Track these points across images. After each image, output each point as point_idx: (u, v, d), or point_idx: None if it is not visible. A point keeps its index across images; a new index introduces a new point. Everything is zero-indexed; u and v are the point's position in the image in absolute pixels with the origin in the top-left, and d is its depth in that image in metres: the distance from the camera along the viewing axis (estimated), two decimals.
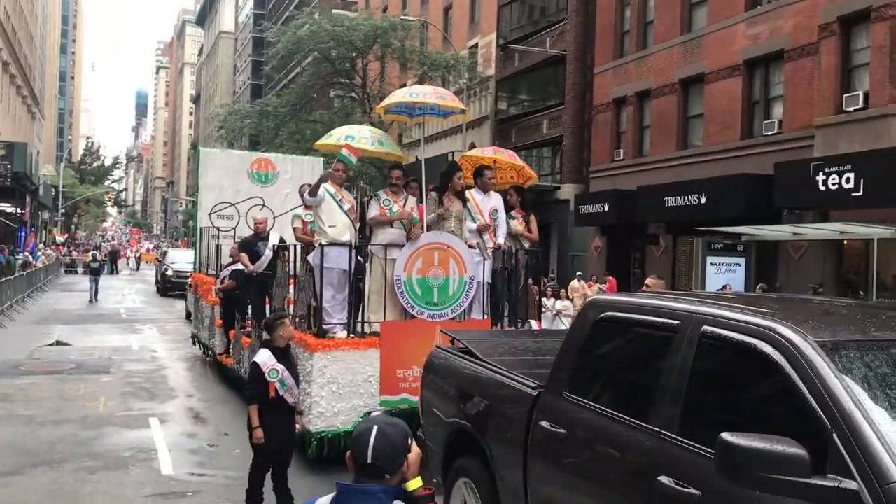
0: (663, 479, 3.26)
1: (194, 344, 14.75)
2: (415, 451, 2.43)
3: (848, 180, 15.07)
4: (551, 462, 4.10)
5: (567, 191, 26.94)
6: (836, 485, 2.59)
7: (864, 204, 14.90)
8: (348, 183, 9.49)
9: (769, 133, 18.57)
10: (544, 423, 4.20)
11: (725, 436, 2.70)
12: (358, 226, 8.16)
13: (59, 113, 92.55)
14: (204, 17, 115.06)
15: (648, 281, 9.53)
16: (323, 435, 7.41)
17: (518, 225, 8.71)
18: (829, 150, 16.00)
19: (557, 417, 4.13)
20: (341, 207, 7.76)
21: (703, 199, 19.23)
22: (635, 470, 3.49)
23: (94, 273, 28.41)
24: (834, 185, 15.34)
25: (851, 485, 2.58)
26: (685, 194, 19.85)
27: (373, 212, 7.97)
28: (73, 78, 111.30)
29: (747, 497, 2.85)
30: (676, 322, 3.61)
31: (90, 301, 26.91)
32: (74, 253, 52.31)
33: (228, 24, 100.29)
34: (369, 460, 2.33)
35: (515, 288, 8.51)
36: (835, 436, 2.71)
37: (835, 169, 15.33)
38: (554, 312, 15.95)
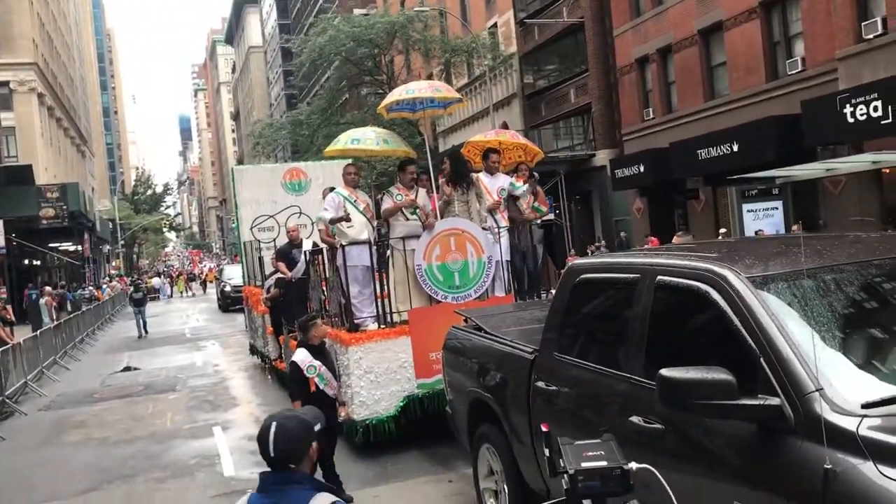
0: (634, 418, 3.58)
1: (252, 354, 15.42)
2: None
3: (875, 109, 14.88)
4: (548, 418, 4.43)
5: (602, 157, 26.96)
6: (762, 402, 2.88)
7: (895, 131, 14.70)
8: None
9: (793, 72, 18.37)
10: (540, 383, 4.54)
11: (663, 372, 3.01)
12: (375, 223, 8.57)
13: (108, 148, 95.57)
14: (232, 35, 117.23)
15: (675, 238, 9.75)
16: (367, 422, 7.84)
17: (525, 202, 8.99)
18: (854, 80, 15.79)
19: (549, 376, 4.47)
20: (357, 208, 8.20)
21: (735, 148, 19.11)
22: (613, 414, 3.82)
23: (138, 304, 24.97)
24: (862, 115, 15.15)
25: (774, 401, 2.87)
26: (717, 145, 19.75)
27: (386, 205, 8.38)
28: (115, 112, 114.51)
29: (697, 423, 3.17)
30: (637, 276, 3.91)
31: (139, 336, 23.84)
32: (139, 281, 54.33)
33: (256, 38, 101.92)
34: (272, 454, 2.56)
35: (533, 262, 8.82)
36: (762, 360, 2.99)
37: (861, 99, 15.15)
38: None
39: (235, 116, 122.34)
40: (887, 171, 16.32)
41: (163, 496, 7.50)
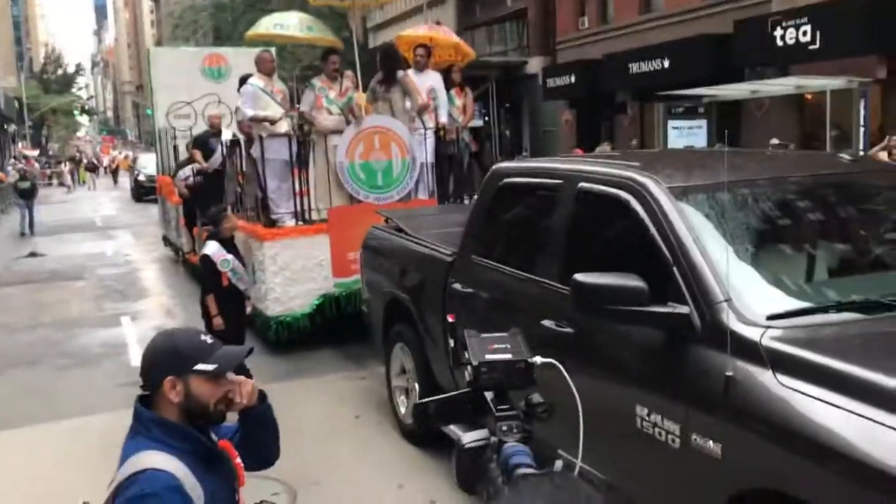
0: (546, 322, 3.59)
1: (165, 245, 15.01)
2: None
3: (805, 34, 15.03)
4: (462, 319, 4.43)
5: (535, 64, 26.63)
6: (671, 310, 2.91)
7: (820, 56, 14.90)
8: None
9: None
10: (456, 285, 4.52)
11: (577, 276, 3.00)
12: (294, 115, 8.25)
13: (15, 21, 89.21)
14: None
15: (598, 150, 9.76)
16: (281, 318, 7.76)
17: (457, 108, 8.80)
18: (787, 4, 15.86)
19: (466, 278, 4.45)
20: (274, 99, 7.84)
21: (666, 64, 19.11)
22: (526, 318, 3.82)
23: (24, 196, 20.83)
24: (791, 39, 15.31)
25: (684, 309, 2.90)
26: (649, 59, 19.70)
27: (307, 99, 8.05)
28: None
29: (607, 329, 3.20)
30: (560, 181, 3.86)
31: (22, 234, 20.05)
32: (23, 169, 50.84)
33: None
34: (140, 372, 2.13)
35: (458, 167, 8.71)
36: (675, 269, 3.01)
37: (792, 23, 15.25)
38: None
39: None
40: (809, 96, 16.66)
41: (67, 383, 7.31)
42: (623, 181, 3.41)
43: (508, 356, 1.54)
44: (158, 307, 10.58)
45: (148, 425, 2.03)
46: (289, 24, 8.64)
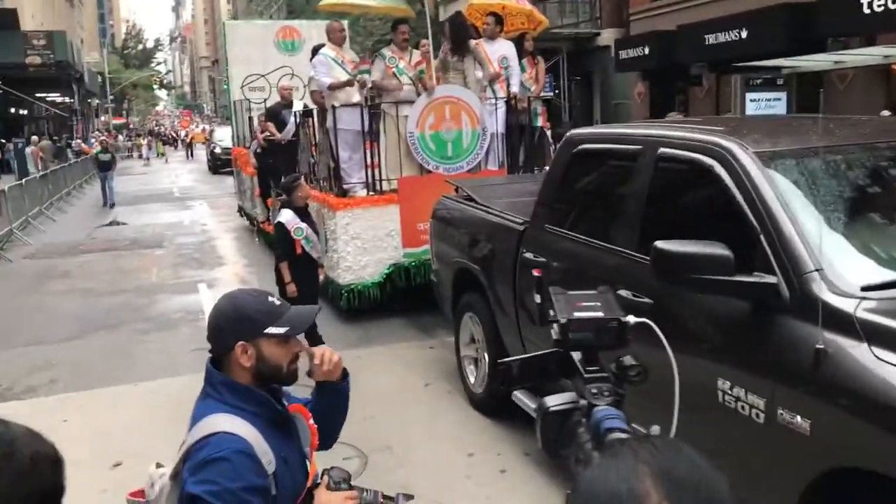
0: (622, 291, 3.49)
1: (241, 216, 15.32)
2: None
3: (894, 1, 14.29)
4: (532, 289, 4.38)
5: (607, 36, 26.06)
6: (758, 280, 2.79)
7: None
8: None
9: None
10: (528, 255, 4.45)
11: (659, 244, 2.90)
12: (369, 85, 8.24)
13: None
14: None
15: (667, 117, 9.49)
16: (353, 287, 7.83)
17: (528, 76, 8.65)
18: None
19: (539, 248, 4.37)
20: (345, 69, 7.84)
21: (744, 35, 18.44)
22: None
23: (103, 169, 20.89)
24: (880, 6, 14.56)
25: (771, 279, 2.77)
26: (726, 30, 19.04)
27: (377, 71, 8.02)
28: None
29: (689, 299, 3.09)
30: (639, 147, 3.74)
31: (104, 205, 20.36)
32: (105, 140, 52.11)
33: None
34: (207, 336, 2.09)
35: (529, 137, 8.59)
36: (762, 237, 2.88)
37: None
38: None
39: None
40: (895, 67, 15.87)
41: (145, 347, 7.54)
42: (707, 146, 3.28)
43: (600, 314, 1.46)
44: (234, 275, 10.82)
45: (219, 388, 2.01)
46: None
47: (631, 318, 1.51)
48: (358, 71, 8.13)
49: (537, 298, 1.67)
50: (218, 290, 9.82)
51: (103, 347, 7.58)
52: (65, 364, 7.04)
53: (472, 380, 5.49)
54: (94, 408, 5.90)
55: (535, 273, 1.65)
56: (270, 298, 2.10)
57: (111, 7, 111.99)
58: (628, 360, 1.48)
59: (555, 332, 1.48)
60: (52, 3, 47.78)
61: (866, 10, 14.61)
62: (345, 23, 10.06)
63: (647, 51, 22.61)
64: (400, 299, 7.84)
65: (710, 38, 19.59)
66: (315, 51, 8.67)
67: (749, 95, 16.59)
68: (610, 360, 1.53)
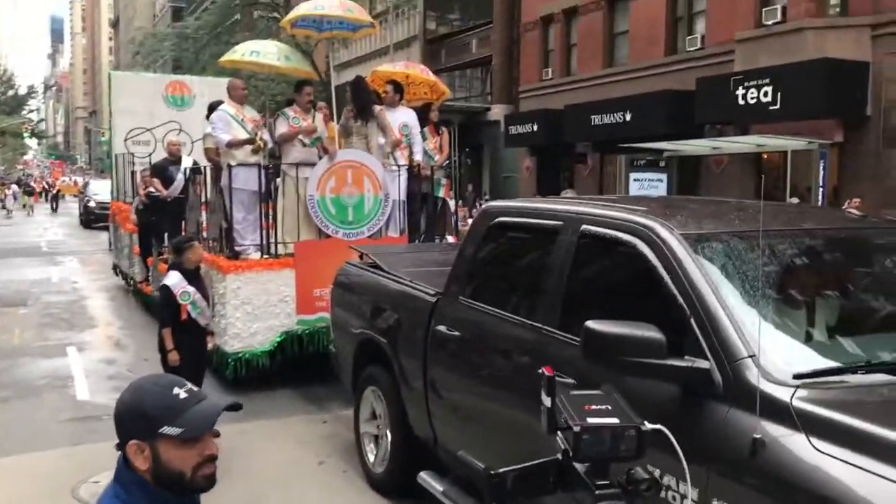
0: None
1: (116, 274, 14.46)
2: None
3: (766, 94, 15.36)
4: (447, 364, 4.21)
5: (497, 111, 26.83)
6: (690, 364, 2.73)
7: (780, 117, 15.25)
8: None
9: (692, 49, 18.71)
10: (441, 328, 4.28)
11: (590, 323, 2.80)
12: (269, 146, 8.00)
13: None
14: None
15: (562, 195, 9.70)
16: (240, 355, 7.41)
17: (432, 146, 8.67)
18: (749, 64, 16.22)
19: (453, 321, 4.22)
20: (244, 127, 7.59)
21: (628, 117, 19.38)
22: (520, 365, 3.61)
23: None
24: (752, 99, 15.63)
25: (704, 364, 2.72)
26: (611, 112, 19.98)
27: (281, 129, 7.81)
28: None
29: (615, 381, 2.98)
30: (560, 223, 3.69)
31: None
32: None
33: None
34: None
35: (432, 206, 8.53)
36: (692, 320, 2.83)
37: (753, 83, 15.59)
38: None
39: (115, 24, 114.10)
40: (766, 156, 17.00)
41: (7, 417, 6.82)
42: (631, 226, 3.24)
43: (615, 420, 1.30)
44: (107, 338, 10.09)
45: (129, 488, 1.76)
46: (267, 52, 8.42)
47: (647, 425, 1.34)
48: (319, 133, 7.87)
49: (547, 402, 1.46)
50: (89, 353, 9.12)
51: None
52: None
53: (371, 458, 5.20)
54: None
55: (546, 372, 1.42)
56: (176, 390, 1.80)
57: None
58: (640, 472, 1.31)
59: (562, 441, 1.29)
60: None
61: (741, 102, 15.64)
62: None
63: (535, 127, 23.38)
64: (291, 369, 7.47)
65: (596, 119, 20.48)
66: (213, 107, 8.36)
67: (633, 175, 17.34)
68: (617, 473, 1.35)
